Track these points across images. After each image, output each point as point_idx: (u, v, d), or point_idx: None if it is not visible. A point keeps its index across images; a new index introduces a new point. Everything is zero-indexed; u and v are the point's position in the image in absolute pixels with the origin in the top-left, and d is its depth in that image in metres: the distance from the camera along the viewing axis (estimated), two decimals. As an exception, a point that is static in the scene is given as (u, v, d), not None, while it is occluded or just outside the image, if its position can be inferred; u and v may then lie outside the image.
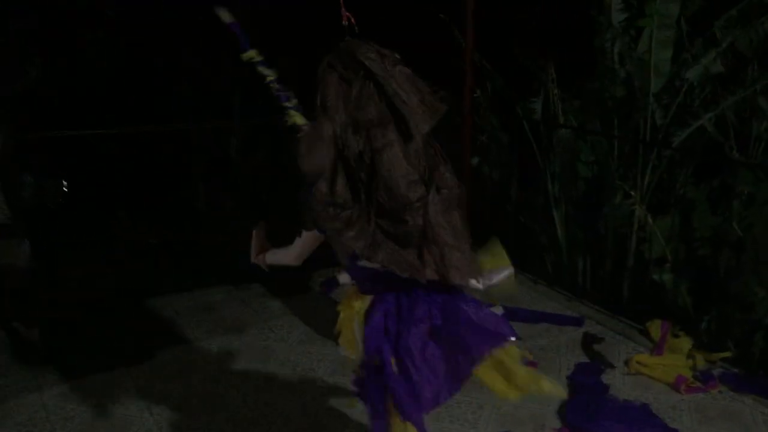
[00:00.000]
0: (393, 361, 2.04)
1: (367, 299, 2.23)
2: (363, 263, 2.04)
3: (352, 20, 2.43)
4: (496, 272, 2.42)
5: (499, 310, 4.26)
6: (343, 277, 4.67)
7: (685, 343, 3.71)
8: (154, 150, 6.54)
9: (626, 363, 3.67)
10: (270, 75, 2.55)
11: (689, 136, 4.43)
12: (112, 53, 7.40)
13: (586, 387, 3.44)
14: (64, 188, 6.65)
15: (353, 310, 2.51)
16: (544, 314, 4.29)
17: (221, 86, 7.63)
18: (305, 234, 2.75)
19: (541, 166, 5.24)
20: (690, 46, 4.65)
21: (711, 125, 4.41)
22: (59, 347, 3.77)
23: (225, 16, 2.67)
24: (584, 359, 3.75)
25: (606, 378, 3.55)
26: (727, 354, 3.65)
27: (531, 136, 5.26)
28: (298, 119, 2.43)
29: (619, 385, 3.49)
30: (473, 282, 2.30)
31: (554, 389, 2.17)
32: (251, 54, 2.56)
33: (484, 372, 2.12)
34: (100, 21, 7.35)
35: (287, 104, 2.48)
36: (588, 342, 3.92)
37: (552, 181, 5.22)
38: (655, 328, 3.89)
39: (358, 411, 3.21)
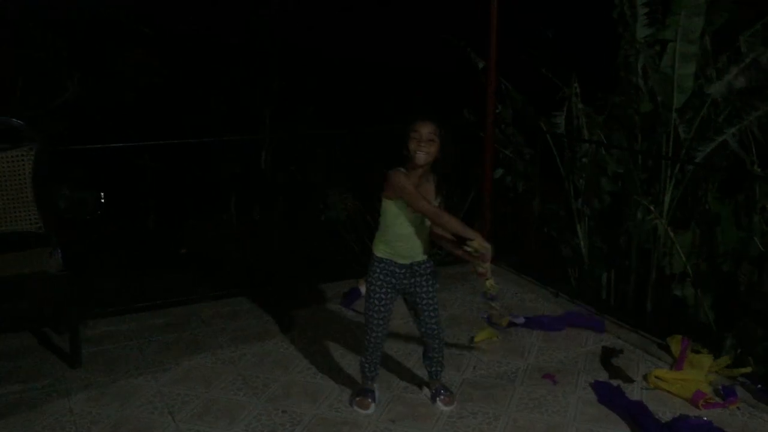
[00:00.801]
0: None
1: None
2: None
3: None
4: None
5: (520, 320, 4.30)
6: (365, 288, 4.74)
7: (706, 359, 3.69)
8: (184, 162, 6.71)
9: (645, 377, 3.67)
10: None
11: (712, 151, 4.42)
12: (148, 69, 7.61)
13: (621, 406, 3.40)
14: (102, 200, 6.84)
15: None
16: (565, 318, 4.30)
17: (252, 101, 7.81)
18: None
19: (565, 179, 5.27)
20: (714, 62, 4.65)
21: (734, 140, 4.40)
22: (87, 352, 3.88)
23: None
24: (603, 373, 3.75)
25: (626, 393, 3.54)
26: (746, 370, 3.63)
27: (554, 149, 5.29)
28: None
29: (637, 399, 3.49)
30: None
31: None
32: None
33: None
34: (138, 39, 7.57)
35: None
36: (607, 356, 3.92)
37: (575, 194, 5.24)
38: (676, 343, 3.87)
39: (374, 420, 3.27)
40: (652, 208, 4.51)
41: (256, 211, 7.22)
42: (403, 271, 3.18)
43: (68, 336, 3.79)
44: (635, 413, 3.30)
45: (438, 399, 3.41)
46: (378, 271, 3.19)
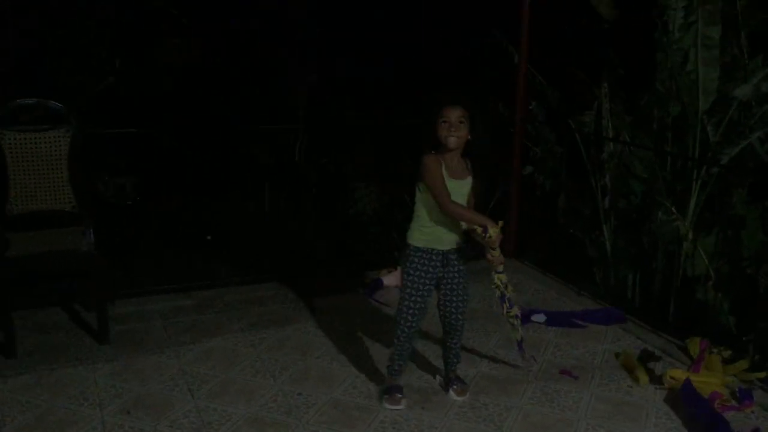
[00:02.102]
0: None
1: None
2: None
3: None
4: None
5: (541, 318, 4.32)
6: (388, 279, 4.81)
7: (717, 361, 3.67)
8: (216, 149, 6.85)
9: (660, 377, 3.66)
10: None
11: (739, 155, 4.38)
12: (186, 58, 7.77)
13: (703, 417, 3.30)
14: (140, 187, 7.04)
15: None
16: (586, 313, 4.30)
17: (287, 90, 7.91)
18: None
19: (592, 178, 5.25)
20: (749, 64, 4.61)
21: (761, 145, 4.35)
22: (115, 330, 4.01)
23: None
24: (619, 371, 3.75)
25: (639, 393, 3.54)
26: (761, 374, 3.60)
27: (583, 148, 5.29)
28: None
29: (651, 400, 3.49)
30: None
31: None
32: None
33: None
34: (176, 28, 7.73)
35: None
36: (645, 359, 3.87)
37: (602, 194, 5.23)
38: (694, 345, 3.86)
39: (386, 407, 3.32)
40: (673, 209, 4.49)
41: (286, 201, 7.33)
42: (439, 258, 3.18)
43: (97, 313, 3.92)
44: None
45: (451, 389, 3.45)
46: (416, 261, 3.18)
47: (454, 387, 3.46)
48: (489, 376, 3.68)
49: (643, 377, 3.63)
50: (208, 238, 6.22)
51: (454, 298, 3.29)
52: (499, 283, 3.17)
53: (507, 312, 3.33)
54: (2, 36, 6.79)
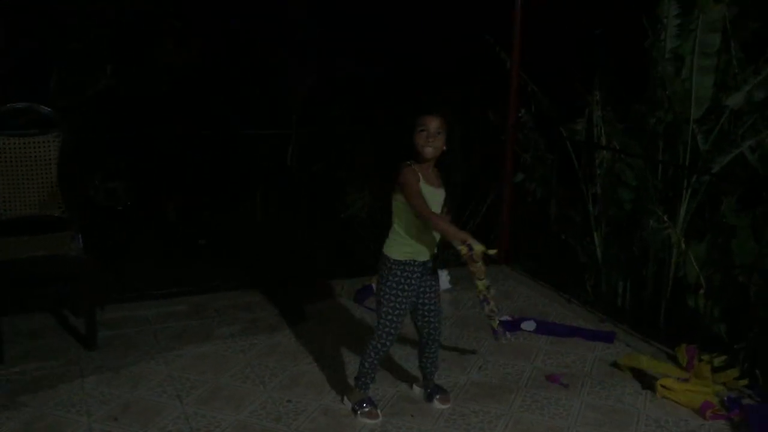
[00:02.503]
0: None
1: None
2: None
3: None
4: None
5: (531, 326, 4.32)
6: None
7: (707, 369, 3.68)
8: (208, 154, 6.83)
9: (652, 387, 3.66)
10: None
11: (730, 164, 4.40)
12: (182, 60, 7.74)
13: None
14: (132, 191, 7.01)
15: None
16: (575, 328, 4.30)
17: (280, 94, 7.90)
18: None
19: (583, 186, 5.26)
20: (739, 73, 4.63)
21: (752, 154, 4.37)
22: (103, 335, 3.99)
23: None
24: (611, 379, 3.75)
25: (630, 401, 3.54)
26: (744, 382, 3.60)
27: (574, 156, 5.30)
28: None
29: (641, 408, 3.49)
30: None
31: None
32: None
33: None
34: (168, 31, 7.71)
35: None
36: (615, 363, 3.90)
37: (593, 201, 5.24)
38: (683, 352, 3.86)
39: (365, 422, 3.29)
40: (665, 218, 4.50)
41: (277, 206, 7.32)
42: (420, 269, 3.16)
43: (85, 319, 3.90)
44: None
45: (435, 399, 3.42)
46: (399, 274, 3.12)
47: (438, 397, 3.43)
48: (479, 383, 3.68)
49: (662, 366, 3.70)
50: (201, 242, 6.20)
51: (431, 308, 3.26)
52: (483, 288, 3.13)
53: (488, 310, 3.22)
54: (-1, 36, 6.77)
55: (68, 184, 4.05)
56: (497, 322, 3.24)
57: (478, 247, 2.96)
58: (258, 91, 7.71)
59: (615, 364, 3.87)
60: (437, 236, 3.14)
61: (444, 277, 4.89)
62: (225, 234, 6.43)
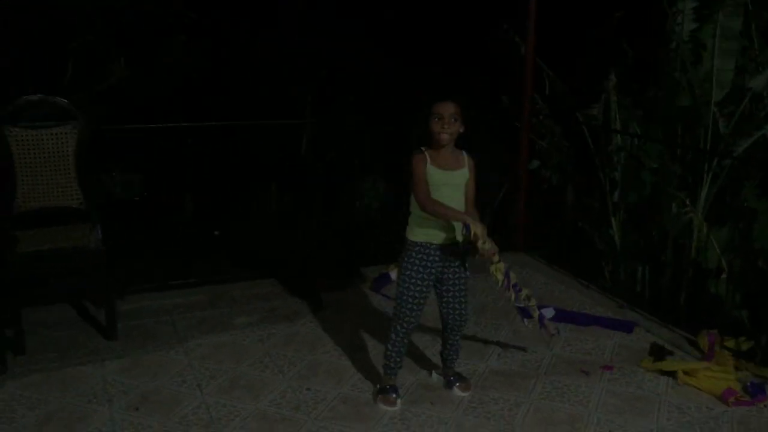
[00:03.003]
0: None
1: None
2: None
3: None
4: None
5: (550, 312, 4.28)
6: (395, 274, 4.78)
7: (728, 355, 3.65)
8: (223, 146, 6.83)
9: (673, 372, 3.63)
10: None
11: (752, 146, 4.34)
12: (192, 55, 7.74)
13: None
14: (148, 183, 7.04)
15: None
16: (594, 317, 4.27)
17: (293, 86, 7.89)
18: None
19: (601, 172, 5.22)
20: (758, 55, 4.56)
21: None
22: (123, 326, 4.01)
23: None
24: (630, 365, 3.72)
25: (650, 387, 3.52)
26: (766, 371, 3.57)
27: (591, 142, 5.25)
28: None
29: (663, 394, 3.46)
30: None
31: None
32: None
33: None
34: (181, 24, 7.70)
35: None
36: (656, 353, 3.83)
37: (611, 187, 5.19)
38: (704, 338, 3.83)
39: (381, 407, 3.29)
40: (687, 201, 4.45)
41: (293, 196, 7.31)
42: (438, 253, 3.14)
43: (105, 310, 3.91)
44: None
45: (455, 386, 3.42)
46: (414, 255, 3.15)
47: (458, 384, 3.42)
48: (498, 371, 3.66)
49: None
50: (216, 233, 6.22)
51: (456, 295, 3.26)
52: (497, 274, 3.11)
53: (518, 295, 3.23)
54: (6, 33, 6.78)
55: (86, 176, 4.06)
56: (537, 312, 3.29)
57: (476, 228, 2.93)
58: (271, 82, 7.70)
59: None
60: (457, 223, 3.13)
61: None
62: (241, 225, 6.44)
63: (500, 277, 3.13)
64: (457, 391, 3.41)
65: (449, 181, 3.09)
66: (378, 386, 3.38)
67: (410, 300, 3.19)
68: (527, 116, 5.31)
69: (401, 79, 7.45)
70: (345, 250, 5.58)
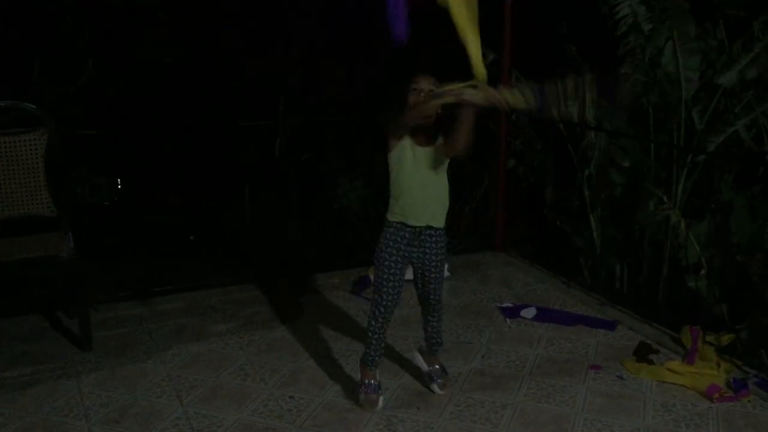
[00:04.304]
0: None
1: None
2: None
3: None
4: None
5: (531, 312, 4.27)
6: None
7: (711, 351, 3.67)
8: (195, 148, 6.72)
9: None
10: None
11: (726, 142, 4.37)
12: (163, 54, 7.61)
13: None
14: (118, 186, 6.90)
15: None
16: (577, 316, 4.26)
17: (268, 86, 7.79)
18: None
19: (577, 169, 5.22)
20: (728, 50, 4.60)
21: (746, 132, 4.34)
22: (98, 336, 3.91)
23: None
24: (613, 364, 3.71)
25: (635, 386, 3.51)
26: (730, 337, 3.61)
27: (567, 139, 5.25)
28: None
29: (648, 392, 3.46)
30: None
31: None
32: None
33: None
34: (152, 23, 7.57)
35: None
36: (642, 351, 3.82)
37: (588, 184, 5.20)
38: (687, 334, 3.84)
39: (380, 407, 3.25)
40: (665, 198, 4.46)
41: (269, 199, 7.22)
42: (411, 234, 3.09)
43: (79, 320, 3.81)
44: None
45: (434, 383, 3.38)
46: (387, 235, 3.11)
47: (438, 381, 3.38)
48: (482, 371, 3.64)
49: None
50: (191, 238, 6.11)
51: (431, 279, 3.19)
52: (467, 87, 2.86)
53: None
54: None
55: (56, 183, 3.96)
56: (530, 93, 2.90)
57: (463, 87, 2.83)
58: (243, 82, 7.59)
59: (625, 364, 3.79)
60: (437, 205, 3.07)
61: None
62: (216, 229, 6.34)
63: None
64: (435, 388, 3.37)
65: (425, 157, 3.01)
66: (359, 380, 3.31)
67: (386, 281, 3.13)
68: (504, 116, 5.30)
69: (373, 83, 7.41)
70: (323, 253, 5.51)
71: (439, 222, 3.13)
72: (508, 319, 4.23)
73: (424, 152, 3.04)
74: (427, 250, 3.14)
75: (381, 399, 3.27)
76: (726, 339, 3.80)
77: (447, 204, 3.15)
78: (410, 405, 3.31)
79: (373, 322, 3.22)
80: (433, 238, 3.13)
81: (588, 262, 5.34)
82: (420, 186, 3.05)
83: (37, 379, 3.51)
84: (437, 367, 3.43)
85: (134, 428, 3.10)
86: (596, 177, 5.20)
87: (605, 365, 3.69)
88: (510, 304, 4.39)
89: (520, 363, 3.73)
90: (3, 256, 3.64)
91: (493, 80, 3.10)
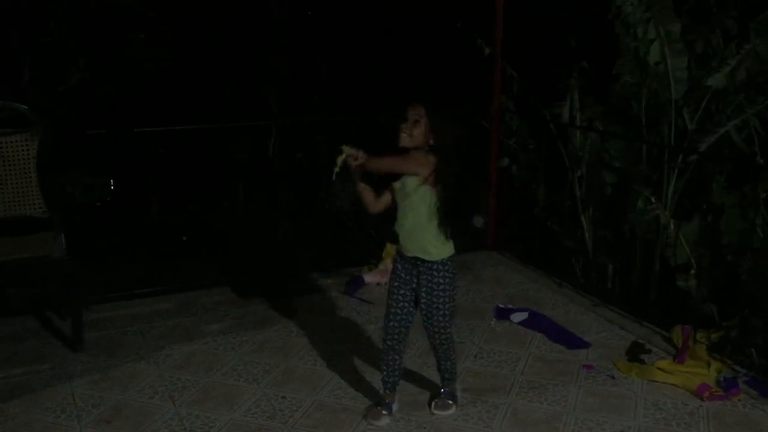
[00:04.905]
0: None
1: None
2: None
3: None
4: None
5: (521, 316, 4.26)
6: (369, 277, 4.74)
7: (702, 350, 3.69)
8: (190, 149, 6.71)
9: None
10: None
11: (719, 143, 4.40)
12: (154, 54, 7.59)
13: None
14: (111, 186, 6.87)
15: None
16: (561, 330, 4.10)
17: (260, 86, 7.79)
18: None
19: (569, 169, 5.24)
20: (717, 53, 4.63)
21: (737, 133, 4.37)
22: (90, 336, 3.90)
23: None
24: (603, 363, 3.73)
25: (626, 384, 3.53)
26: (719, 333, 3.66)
27: (558, 139, 5.28)
28: None
29: (638, 390, 3.48)
30: None
31: None
32: None
33: None
34: (142, 23, 7.55)
35: None
36: (635, 351, 3.85)
37: (579, 184, 5.22)
38: (677, 333, 3.86)
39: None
40: (652, 199, 4.49)
41: (261, 199, 7.22)
42: (410, 264, 3.05)
43: (71, 320, 3.80)
44: None
45: (433, 401, 3.29)
46: (394, 263, 3.12)
47: (436, 401, 3.28)
48: (474, 371, 3.65)
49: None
50: (184, 239, 6.10)
51: (427, 310, 3.06)
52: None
53: None
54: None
55: (48, 184, 3.94)
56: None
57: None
58: (235, 83, 7.58)
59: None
60: (423, 240, 2.98)
61: None
62: (208, 229, 6.34)
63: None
64: (433, 406, 3.27)
65: (402, 189, 2.96)
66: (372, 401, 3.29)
67: (390, 307, 3.10)
68: (496, 115, 5.32)
69: (364, 81, 7.41)
70: (316, 253, 5.51)
71: (430, 255, 3.00)
72: (494, 320, 4.23)
73: (402, 182, 2.98)
74: (423, 282, 3.04)
75: (386, 418, 3.17)
76: (716, 337, 3.81)
77: (436, 237, 2.98)
78: (403, 404, 3.28)
79: (383, 346, 3.16)
80: (430, 271, 3.02)
81: (580, 262, 5.36)
82: (403, 215, 2.99)
83: (28, 380, 3.50)
84: (449, 391, 3.30)
85: (126, 429, 3.10)
86: (587, 177, 5.22)
87: (597, 365, 3.71)
88: (510, 306, 4.37)
89: (513, 363, 3.74)
90: (-6, 257, 3.63)
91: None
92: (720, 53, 4.53)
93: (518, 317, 4.25)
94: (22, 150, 3.87)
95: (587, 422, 3.20)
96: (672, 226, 4.41)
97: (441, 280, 3.02)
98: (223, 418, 3.18)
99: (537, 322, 4.20)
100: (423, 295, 3.06)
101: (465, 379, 3.55)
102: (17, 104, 3.85)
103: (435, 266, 3.01)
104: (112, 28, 7.04)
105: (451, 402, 3.27)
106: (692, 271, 4.43)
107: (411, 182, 2.94)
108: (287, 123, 7.17)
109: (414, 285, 3.08)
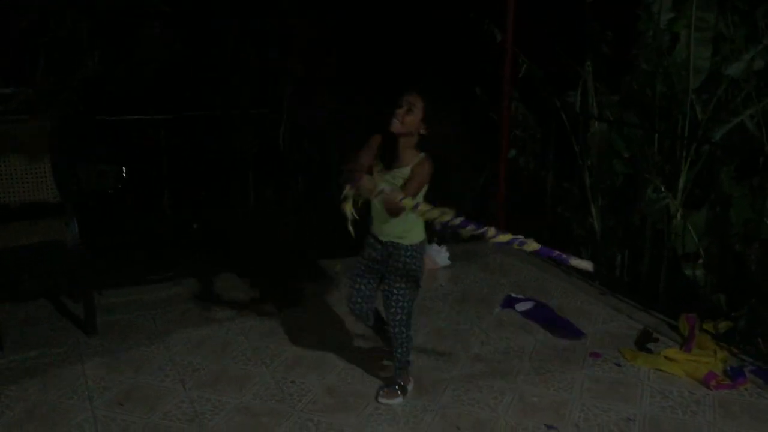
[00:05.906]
0: None
1: None
2: None
3: None
4: None
5: (526, 305, 4.27)
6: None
7: (708, 338, 3.70)
8: (200, 137, 6.75)
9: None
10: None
11: (729, 133, 4.38)
12: (167, 46, 7.63)
13: None
14: (123, 174, 6.93)
15: None
16: (557, 325, 4.07)
17: (270, 77, 7.81)
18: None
19: (579, 158, 5.24)
20: (734, 39, 4.59)
21: (751, 122, 4.35)
22: (102, 321, 3.95)
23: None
24: (610, 351, 3.75)
25: (633, 372, 3.55)
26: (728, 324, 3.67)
27: (569, 128, 5.27)
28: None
29: (645, 378, 3.49)
30: None
31: None
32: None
33: None
34: (155, 15, 7.58)
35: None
36: (643, 340, 3.87)
37: (589, 173, 5.22)
38: (684, 322, 3.87)
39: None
40: (663, 187, 4.48)
41: (272, 189, 7.26)
42: (379, 247, 3.13)
43: (83, 305, 3.86)
44: None
45: (381, 390, 3.28)
46: (365, 242, 3.22)
47: (384, 389, 3.27)
48: (482, 357, 3.67)
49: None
50: (195, 226, 6.16)
51: (388, 291, 3.12)
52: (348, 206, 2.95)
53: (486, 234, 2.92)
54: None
55: (61, 170, 3.99)
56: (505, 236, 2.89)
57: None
58: (246, 72, 7.61)
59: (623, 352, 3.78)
60: (395, 224, 3.02)
61: (443, 254, 4.88)
62: (220, 217, 6.38)
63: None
64: (378, 396, 3.26)
65: (389, 181, 2.95)
66: None
67: (351, 279, 3.25)
68: (507, 105, 5.32)
69: (373, 71, 7.41)
70: (326, 241, 5.54)
71: (403, 238, 3.07)
72: (499, 308, 4.25)
73: (390, 175, 2.99)
74: (391, 262, 3.12)
75: (399, 397, 3.23)
76: (723, 326, 3.83)
77: (411, 222, 3.03)
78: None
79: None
80: (398, 250, 3.09)
81: (588, 251, 5.36)
82: (380, 210, 3.01)
83: (42, 362, 3.55)
84: (398, 380, 3.27)
85: (138, 411, 3.14)
86: (597, 166, 5.21)
87: (604, 353, 3.73)
88: (520, 297, 4.39)
89: (519, 349, 3.76)
90: (8, 242, 3.68)
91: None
92: (740, 43, 4.49)
93: (523, 306, 4.27)
94: (36, 137, 3.92)
95: (593, 409, 3.22)
96: (679, 216, 4.41)
97: (406, 266, 3.10)
98: (233, 402, 3.23)
99: (538, 314, 4.17)
100: (389, 279, 3.14)
101: (472, 365, 3.58)
102: (30, 91, 3.90)
103: (406, 250, 3.10)
104: (126, 18, 7.08)
105: (398, 391, 3.25)
106: (700, 260, 4.43)
107: (402, 176, 2.97)
108: (296, 113, 7.20)
109: (379, 268, 3.18)
